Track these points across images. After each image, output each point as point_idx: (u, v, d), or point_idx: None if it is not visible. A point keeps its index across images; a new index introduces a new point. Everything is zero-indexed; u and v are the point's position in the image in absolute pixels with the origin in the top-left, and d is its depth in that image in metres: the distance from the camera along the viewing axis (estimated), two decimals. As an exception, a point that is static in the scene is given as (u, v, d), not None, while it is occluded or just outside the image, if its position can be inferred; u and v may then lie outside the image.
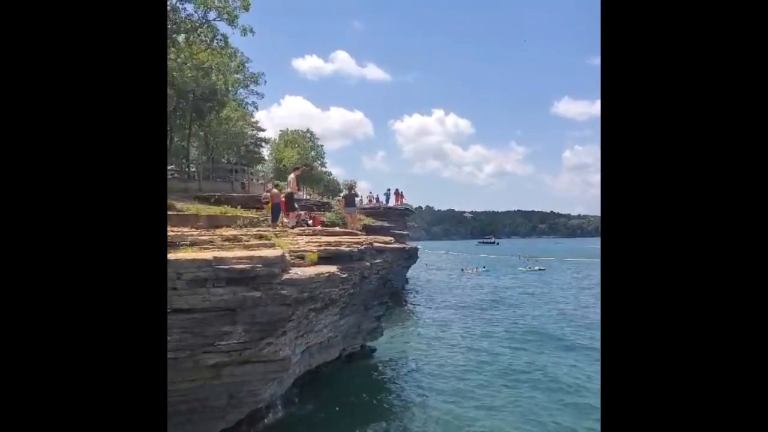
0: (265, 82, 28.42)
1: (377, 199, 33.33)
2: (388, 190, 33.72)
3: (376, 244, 12.46)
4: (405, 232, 32.29)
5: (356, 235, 12.30)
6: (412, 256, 30.92)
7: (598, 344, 14.10)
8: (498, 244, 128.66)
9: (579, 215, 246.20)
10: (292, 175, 13.26)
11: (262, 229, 9.91)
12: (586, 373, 12.33)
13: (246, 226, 9.56)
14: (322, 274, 8.08)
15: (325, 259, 8.97)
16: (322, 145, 44.63)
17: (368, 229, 20.22)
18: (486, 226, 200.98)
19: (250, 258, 6.68)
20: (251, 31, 18.70)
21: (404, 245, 28.42)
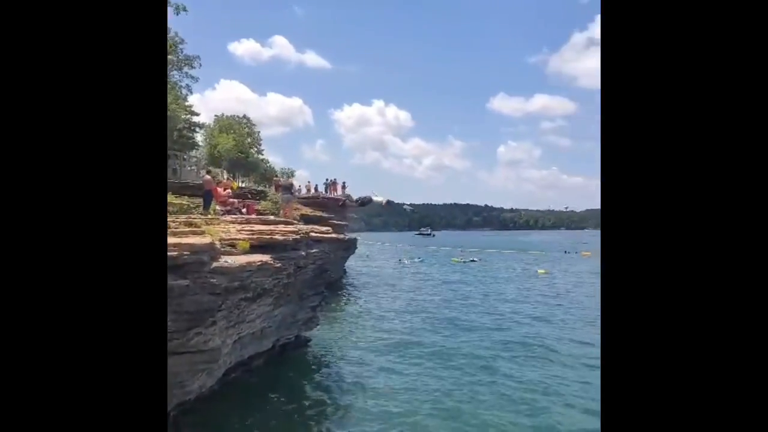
0: (200, 65, 27.29)
1: (316, 189, 33.02)
2: (328, 179, 33.51)
3: (312, 234, 12.41)
4: (344, 223, 32.26)
5: (292, 224, 12.17)
6: (350, 246, 31.03)
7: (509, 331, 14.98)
8: (434, 235, 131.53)
9: (511, 209, 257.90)
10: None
11: (192, 216, 9.57)
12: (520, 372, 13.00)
13: (176, 213, 9.19)
14: (253, 263, 7.95)
15: (258, 247, 8.81)
16: (258, 132, 43.39)
17: (306, 220, 20.04)
18: (423, 218, 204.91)
19: (177, 245, 6.45)
20: (184, 9, 17.82)
21: (342, 236, 28.42)
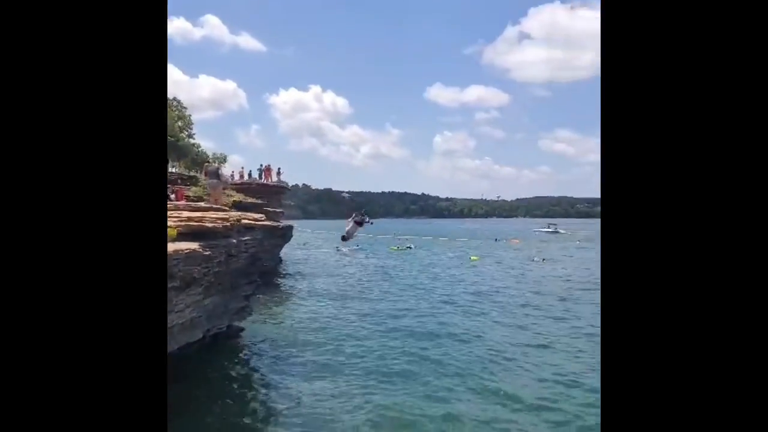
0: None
1: (250, 175, 32.15)
2: (262, 165, 32.72)
3: (244, 221, 12.13)
4: (279, 210, 31.73)
5: (223, 210, 11.82)
6: (286, 234, 30.58)
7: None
8: (372, 223, 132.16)
9: (447, 198, 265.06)
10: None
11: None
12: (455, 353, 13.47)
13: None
14: (181, 251, 7.68)
15: (186, 235, 8.51)
16: (190, 115, 41.26)
17: (239, 206, 19.51)
18: (362, 206, 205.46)
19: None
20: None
21: (277, 223, 27.98)
